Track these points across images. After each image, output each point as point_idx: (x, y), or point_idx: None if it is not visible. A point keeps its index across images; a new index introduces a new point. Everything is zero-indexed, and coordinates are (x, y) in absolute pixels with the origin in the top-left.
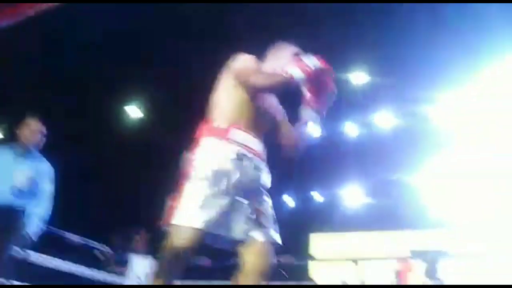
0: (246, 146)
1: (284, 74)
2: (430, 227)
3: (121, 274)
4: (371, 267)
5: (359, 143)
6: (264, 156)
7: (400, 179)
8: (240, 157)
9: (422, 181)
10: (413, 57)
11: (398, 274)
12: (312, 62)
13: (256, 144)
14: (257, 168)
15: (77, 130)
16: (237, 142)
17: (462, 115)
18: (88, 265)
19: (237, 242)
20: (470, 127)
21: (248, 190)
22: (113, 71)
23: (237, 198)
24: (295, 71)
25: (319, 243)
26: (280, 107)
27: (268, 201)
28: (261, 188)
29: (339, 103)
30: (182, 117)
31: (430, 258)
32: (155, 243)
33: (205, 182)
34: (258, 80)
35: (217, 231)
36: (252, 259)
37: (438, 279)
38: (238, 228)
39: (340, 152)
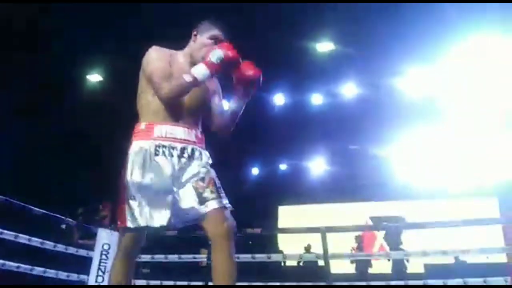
0: (172, 138)
1: (187, 78)
2: (394, 198)
3: (88, 246)
4: (336, 237)
5: (326, 114)
6: (194, 138)
7: (365, 150)
8: (164, 152)
9: (388, 152)
10: (381, 29)
11: (362, 240)
12: (216, 55)
13: (183, 132)
14: (185, 154)
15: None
16: (163, 137)
17: (429, 89)
18: (54, 239)
19: (194, 220)
20: (437, 102)
21: (183, 176)
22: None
23: (174, 186)
24: (198, 71)
25: (286, 214)
26: (213, 85)
27: (207, 176)
28: (195, 169)
29: (306, 74)
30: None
31: (390, 227)
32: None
33: (139, 183)
34: (164, 92)
35: (164, 223)
36: (211, 228)
37: (401, 247)
38: (186, 211)
39: (307, 123)
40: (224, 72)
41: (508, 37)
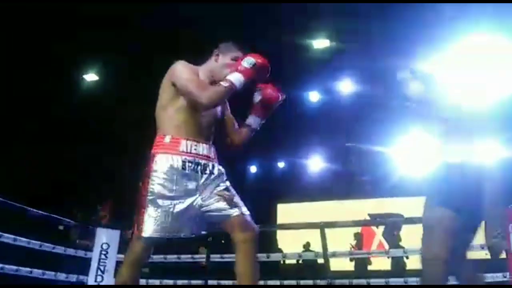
0: (196, 154)
1: (224, 84)
2: (393, 195)
3: (87, 247)
4: (335, 234)
5: (323, 111)
6: (213, 155)
7: (363, 147)
8: (190, 166)
9: (386, 149)
10: (378, 26)
11: (361, 237)
12: (249, 61)
13: (205, 149)
14: (207, 170)
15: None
16: (188, 152)
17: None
18: (52, 240)
19: (218, 224)
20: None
21: (207, 190)
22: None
23: (198, 199)
24: (234, 77)
25: (285, 212)
26: (225, 105)
27: (228, 187)
28: (217, 184)
29: (303, 71)
30: (142, 86)
31: (389, 222)
32: (119, 214)
33: (164, 195)
34: (203, 101)
35: (181, 235)
36: (237, 232)
37: (400, 244)
38: (210, 216)
39: (304, 121)
40: (255, 79)
41: (506, 36)
